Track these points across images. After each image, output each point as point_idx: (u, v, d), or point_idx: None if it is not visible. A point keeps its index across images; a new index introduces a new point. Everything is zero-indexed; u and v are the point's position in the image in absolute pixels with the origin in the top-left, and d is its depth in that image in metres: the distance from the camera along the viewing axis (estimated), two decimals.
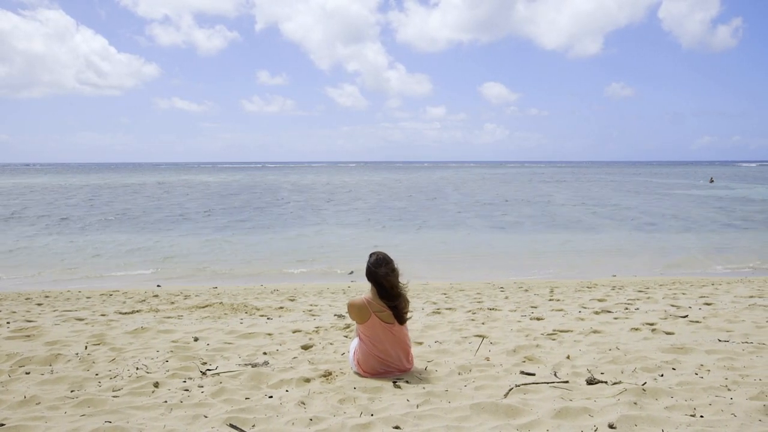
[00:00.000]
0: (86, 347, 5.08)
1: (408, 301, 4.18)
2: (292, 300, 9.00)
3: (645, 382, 3.74)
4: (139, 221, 23.76)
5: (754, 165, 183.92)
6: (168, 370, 4.31)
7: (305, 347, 5.21)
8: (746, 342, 5.04)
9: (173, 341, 5.40)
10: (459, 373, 4.19)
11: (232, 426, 2.96)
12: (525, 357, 4.68)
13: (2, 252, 16.09)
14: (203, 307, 8.03)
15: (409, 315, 4.22)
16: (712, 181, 58.22)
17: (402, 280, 4.16)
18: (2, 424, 3.13)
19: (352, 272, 13.21)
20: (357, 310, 4.10)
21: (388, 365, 4.11)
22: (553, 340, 5.38)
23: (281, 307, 8.07)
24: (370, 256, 4.16)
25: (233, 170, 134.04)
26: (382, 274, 4.03)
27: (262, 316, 7.32)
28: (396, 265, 4.13)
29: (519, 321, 6.44)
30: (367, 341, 4.11)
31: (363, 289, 8.71)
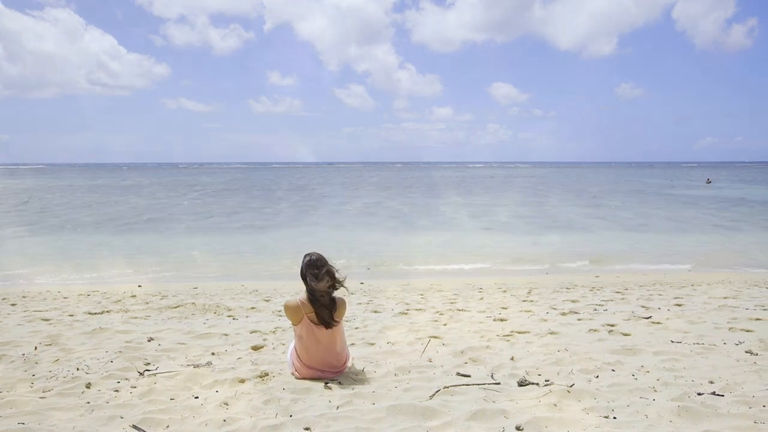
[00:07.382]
0: (36, 348, 5.10)
1: (343, 303, 4.15)
2: (267, 300, 8.99)
3: (573, 384, 3.71)
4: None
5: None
6: (107, 371, 4.30)
7: (255, 348, 5.20)
8: (697, 343, 4.99)
9: (127, 342, 5.41)
10: (395, 375, 4.17)
11: (135, 427, 2.96)
12: (470, 358, 4.65)
13: None
14: (175, 308, 8.04)
15: (343, 318, 4.19)
16: (709, 182, 57.78)
17: (339, 279, 4.12)
18: None
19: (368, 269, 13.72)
20: (291, 311, 4.08)
21: (321, 366, 4.09)
22: (507, 341, 5.34)
23: (253, 308, 8.07)
24: (305, 257, 4.14)
25: (241, 170, 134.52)
26: (311, 275, 4.00)
27: (229, 316, 7.32)
28: (331, 267, 4.09)
29: (481, 322, 6.40)
30: (301, 342, 4.10)
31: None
